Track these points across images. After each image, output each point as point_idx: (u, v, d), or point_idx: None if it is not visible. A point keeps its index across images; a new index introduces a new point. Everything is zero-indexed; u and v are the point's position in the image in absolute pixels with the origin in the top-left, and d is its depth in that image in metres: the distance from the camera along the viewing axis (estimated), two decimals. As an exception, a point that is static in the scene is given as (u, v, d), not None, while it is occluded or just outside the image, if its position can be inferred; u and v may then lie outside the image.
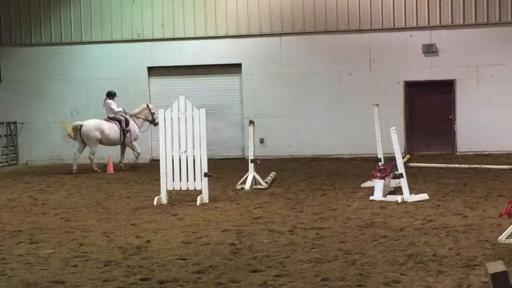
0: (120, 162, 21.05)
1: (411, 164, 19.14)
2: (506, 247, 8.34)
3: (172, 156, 13.50)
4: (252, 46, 24.02)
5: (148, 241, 9.39)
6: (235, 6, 23.98)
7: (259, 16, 23.95)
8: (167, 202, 13.29)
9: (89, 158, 20.57)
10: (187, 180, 13.43)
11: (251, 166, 15.60)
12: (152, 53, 24.39)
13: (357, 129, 22.87)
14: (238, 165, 20.61)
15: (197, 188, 13.37)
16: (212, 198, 13.44)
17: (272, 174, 17.24)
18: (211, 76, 24.40)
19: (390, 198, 12.86)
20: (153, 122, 21.25)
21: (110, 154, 21.51)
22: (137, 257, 8.40)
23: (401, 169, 13.01)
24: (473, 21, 23.00)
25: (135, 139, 21.20)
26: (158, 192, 13.63)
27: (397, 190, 13.50)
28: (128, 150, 21.28)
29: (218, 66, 24.22)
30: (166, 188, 13.44)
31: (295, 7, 23.79)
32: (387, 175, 13.43)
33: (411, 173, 16.27)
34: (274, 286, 6.92)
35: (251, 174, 15.53)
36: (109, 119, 20.88)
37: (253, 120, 16.63)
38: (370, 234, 9.50)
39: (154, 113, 21.10)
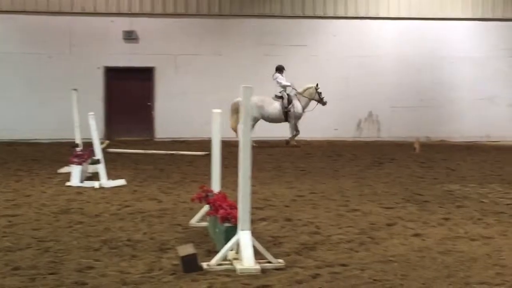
0: (290, 138, 21.64)
1: (110, 150, 19.19)
2: (197, 230, 8.76)
3: None
4: None
5: None
6: None
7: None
8: None
9: None
10: None
11: None
12: None
13: (56, 114, 22.24)
14: None
15: None
16: None
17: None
18: None
19: (88, 183, 12.82)
20: (321, 101, 21.51)
21: None
22: None
23: (99, 154, 13.07)
24: (173, 11, 23.64)
25: (298, 118, 21.31)
26: None
27: (95, 176, 13.49)
28: None
29: None
30: None
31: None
32: (85, 161, 13.39)
33: (109, 158, 16.27)
34: (-41, 278, 6.57)
35: None
36: (276, 97, 21.18)
37: None
38: (65, 220, 9.40)
39: (321, 93, 21.40)
